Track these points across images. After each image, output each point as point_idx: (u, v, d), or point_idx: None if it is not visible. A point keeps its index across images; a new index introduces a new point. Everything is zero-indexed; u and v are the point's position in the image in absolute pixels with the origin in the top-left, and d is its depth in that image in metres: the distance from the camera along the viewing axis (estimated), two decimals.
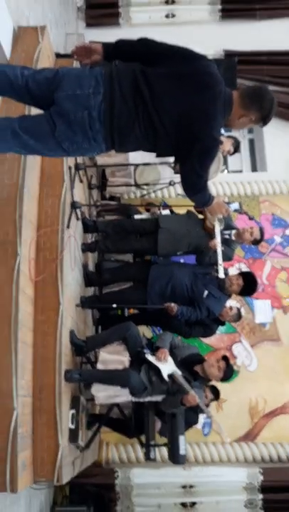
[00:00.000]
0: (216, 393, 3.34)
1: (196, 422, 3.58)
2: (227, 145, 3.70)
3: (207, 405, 3.28)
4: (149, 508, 4.23)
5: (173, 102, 1.88)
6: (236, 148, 3.77)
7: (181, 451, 3.15)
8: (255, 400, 4.66)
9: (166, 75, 1.89)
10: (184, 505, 4.26)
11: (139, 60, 1.93)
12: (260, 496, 4.24)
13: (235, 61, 4.88)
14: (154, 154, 2.11)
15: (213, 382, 3.46)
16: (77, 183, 3.50)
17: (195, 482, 4.29)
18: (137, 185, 4.40)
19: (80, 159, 3.49)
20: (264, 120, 1.94)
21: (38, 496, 3.46)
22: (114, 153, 3.98)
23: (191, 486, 4.29)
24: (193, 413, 3.43)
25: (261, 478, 4.26)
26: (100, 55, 1.93)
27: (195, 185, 2.03)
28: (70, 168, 3.17)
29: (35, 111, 2.11)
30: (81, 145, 1.93)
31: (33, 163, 2.88)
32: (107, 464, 4.38)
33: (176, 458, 3.19)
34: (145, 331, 4.55)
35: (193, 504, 4.27)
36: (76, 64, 3.21)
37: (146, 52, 1.91)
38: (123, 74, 1.89)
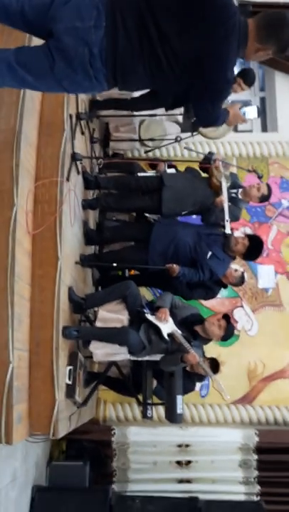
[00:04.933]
0: (215, 366, 3.26)
1: (192, 389, 3.56)
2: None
3: (204, 375, 3.24)
4: (145, 465, 4.29)
5: (182, 43, 1.72)
6: (247, 79, 3.35)
7: (179, 411, 3.14)
8: (254, 364, 4.65)
9: (175, 9, 1.71)
10: (179, 463, 4.32)
11: None
12: (255, 457, 4.29)
13: (249, 10, 4.58)
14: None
15: (212, 343, 3.42)
16: (78, 136, 3.33)
17: (191, 441, 4.34)
18: (142, 141, 4.21)
19: (81, 108, 3.30)
20: (283, 51, 1.78)
21: (35, 449, 3.49)
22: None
23: (186, 445, 4.34)
24: (190, 380, 3.41)
25: (257, 439, 4.30)
26: None
27: (209, 121, 1.98)
28: (70, 116, 3.00)
29: (36, 43, 1.94)
30: (81, 84, 1.79)
31: (32, 109, 2.72)
32: (104, 422, 4.42)
33: (173, 417, 3.18)
34: (145, 294, 4.49)
35: (188, 462, 4.33)
36: None
37: None
38: (127, 4, 1.72)
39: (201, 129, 3.62)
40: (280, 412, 4.47)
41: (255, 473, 4.26)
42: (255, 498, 4.17)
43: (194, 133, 3.52)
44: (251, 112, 2.47)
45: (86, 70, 1.73)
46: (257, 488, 4.22)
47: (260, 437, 4.31)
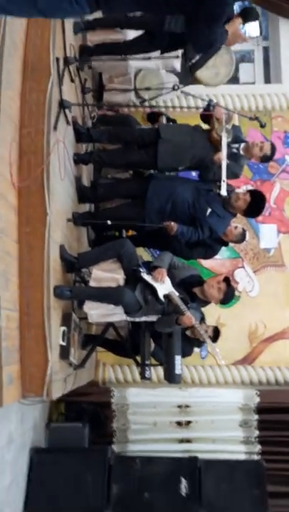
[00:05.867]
0: (216, 335, 3.17)
1: (189, 354, 3.48)
2: (234, 25, 2.91)
3: (204, 340, 3.14)
4: (145, 426, 4.28)
5: None
6: (248, 19, 2.86)
7: (177, 371, 3.06)
8: (255, 325, 4.57)
9: None
10: (179, 423, 4.30)
11: None
12: (256, 417, 4.26)
13: None
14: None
15: (212, 305, 3.30)
16: (67, 83, 3.09)
17: (191, 402, 4.30)
18: (137, 91, 3.94)
19: (70, 53, 3.05)
20: None
21: (31, 412, 3.44)
22: None
23: (186, 406, 4.31)
24: (189, 345, 3.32)
25: (258, 399, 4.26)
26: None
27: (206, 44, 1.81)
28: (57, 60, 2.75)
29: None
30: (59, 5, 1.59)
31: (13, 50, 2.48)
32: (104, 384, 4.38)
33: (171, 377, 3.10)
34: (143, 255, 4.35)
35: (188, 423, 4.31)
36: None
37: None
38: None
39: (200, 76, 3.36)
40: (281, 372, 4.41)
41: (256, 432, 4.24)
42: (256, 457, 4.17)
43: (192, 76, 3.25)
44: (253, 29, 2.13)
45: None
46: (258, 447, 4.22)
47: (261, 397, 4.27)
